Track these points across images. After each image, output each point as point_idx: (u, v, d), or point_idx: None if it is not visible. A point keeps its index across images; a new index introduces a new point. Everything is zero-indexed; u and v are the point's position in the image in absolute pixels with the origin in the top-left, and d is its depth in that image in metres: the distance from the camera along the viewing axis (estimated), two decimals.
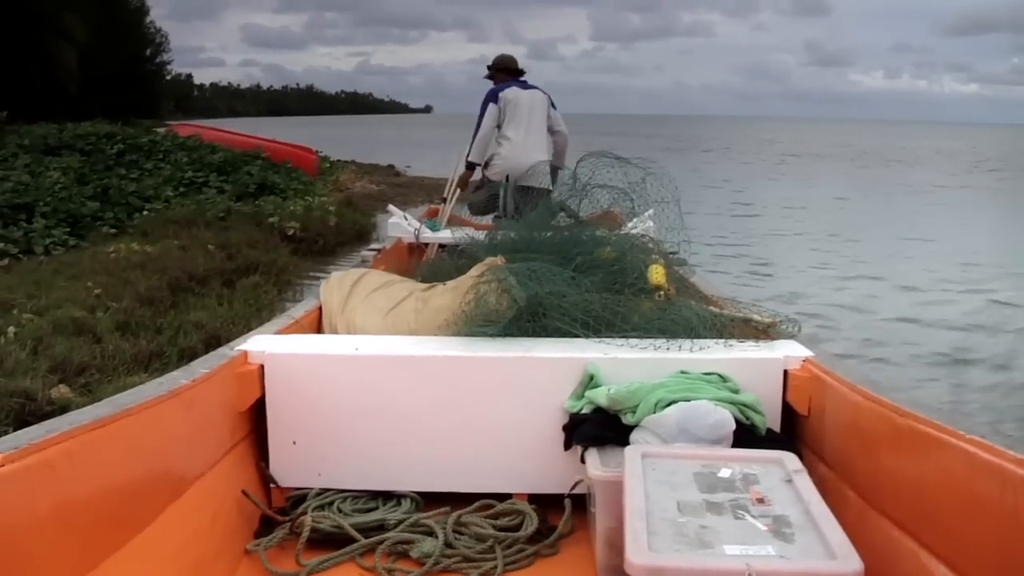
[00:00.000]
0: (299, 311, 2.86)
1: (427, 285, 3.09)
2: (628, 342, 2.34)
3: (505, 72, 5.74)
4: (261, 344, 2.31)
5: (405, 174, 22.78)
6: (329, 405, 2.24)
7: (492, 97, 5.47)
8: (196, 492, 1.88)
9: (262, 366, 2.24)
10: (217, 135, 17.10)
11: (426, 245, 5.11)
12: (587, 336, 2.39)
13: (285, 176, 14.60)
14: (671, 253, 3.29)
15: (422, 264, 4.47)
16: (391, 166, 24.70)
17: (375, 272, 3.35)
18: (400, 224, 5.15)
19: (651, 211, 3.63)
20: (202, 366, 2.07)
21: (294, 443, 2.25)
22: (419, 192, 17.90)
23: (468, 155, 5.54)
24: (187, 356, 5.09)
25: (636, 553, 1.44)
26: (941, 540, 1.51)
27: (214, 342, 5.32)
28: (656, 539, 1.49)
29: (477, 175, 5.64)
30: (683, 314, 2.51)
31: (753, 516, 1.58)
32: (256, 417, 2.27)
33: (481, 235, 4.03)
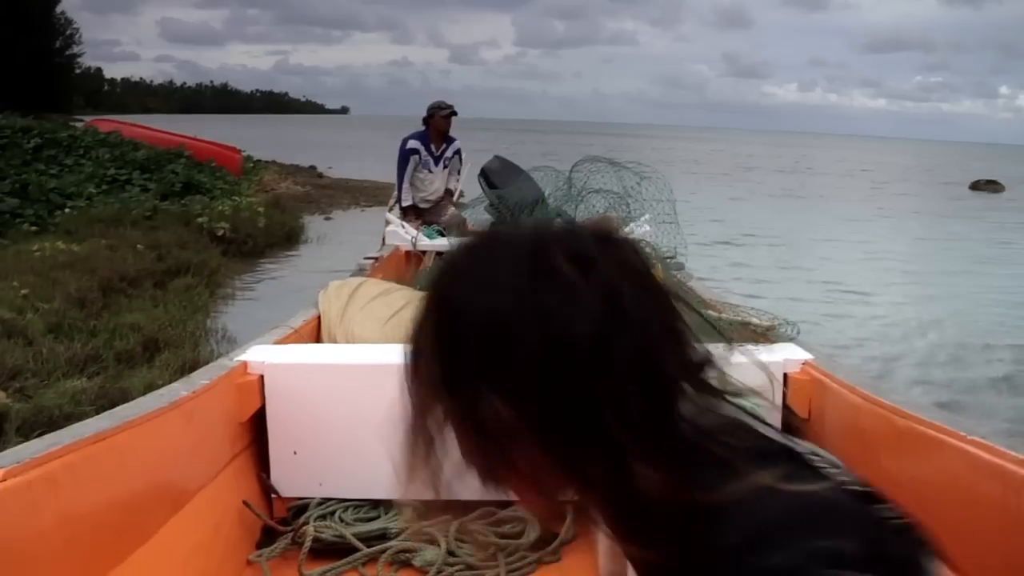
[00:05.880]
0: (298, 320, 2.86)
1: (425, 293, 3.09)
2: None
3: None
4: (260, 354, 2.30)
5: (328, 176, 22.22)
6: (329, 414, 2.23)
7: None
8: (198, 504, 1.88)
9: (262, 376, 2.23)
10: (138, 132, 16.33)
11: (424, 253, 5.12)
12: None
13: (210, 175, 14.13)
14: (668, 258, 3.29)
15: (420, 272, 4.47)
16: (313, 167, 24.09)
17: (373, 280, 3.35)
18: (398, 232, 5.16)
19: (647, 216, 3.63)
20: (202, 377, 2.07)
21: (295, 453, 2.25)
22: (344, 194, 17.47)
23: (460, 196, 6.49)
24: (124, 360, 5.02)
25: None
26: (943, 542, 1.51)
27: (152, 345, 5.26)
28: None
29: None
30: None
31: None
32: (256, 427, 2.26)
33: None
